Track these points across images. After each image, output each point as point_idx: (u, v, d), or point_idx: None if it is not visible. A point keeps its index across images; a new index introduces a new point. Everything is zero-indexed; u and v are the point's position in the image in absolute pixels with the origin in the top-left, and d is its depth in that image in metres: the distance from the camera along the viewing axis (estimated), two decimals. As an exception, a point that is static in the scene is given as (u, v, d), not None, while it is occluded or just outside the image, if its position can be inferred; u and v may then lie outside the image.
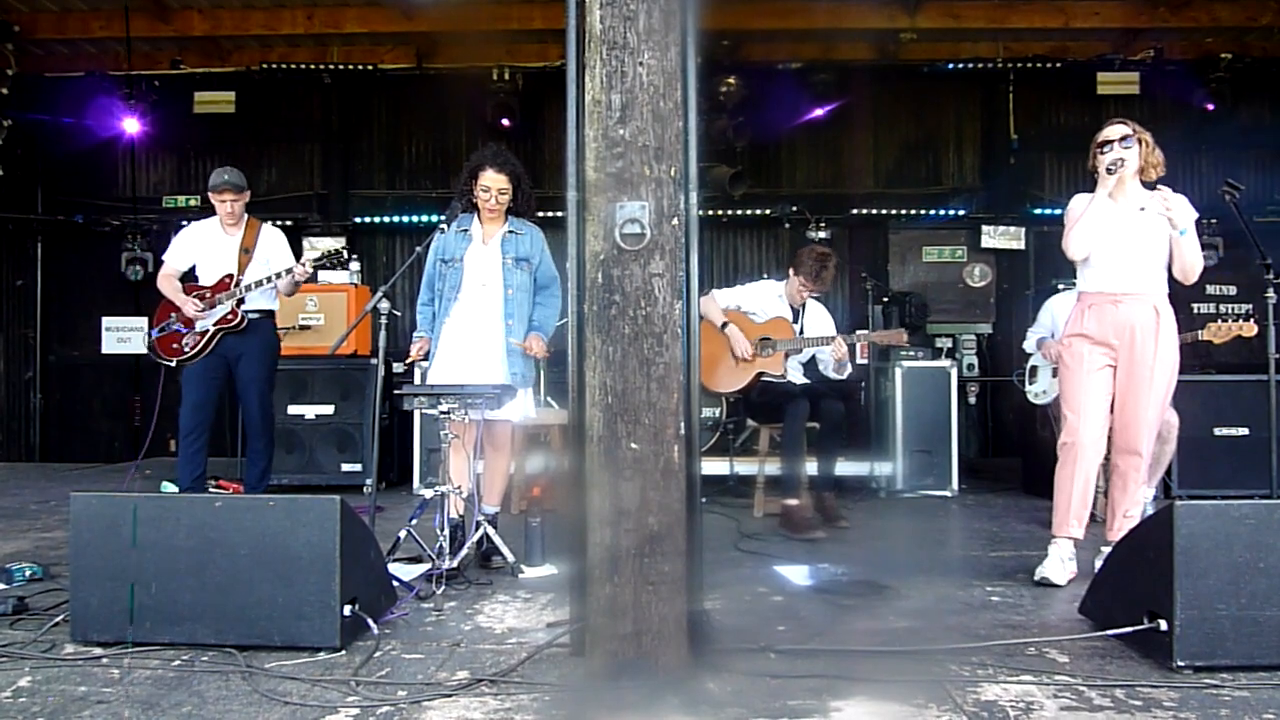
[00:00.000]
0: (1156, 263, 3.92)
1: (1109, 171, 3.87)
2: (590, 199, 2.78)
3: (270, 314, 5.37)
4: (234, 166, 5.32)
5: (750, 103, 8.08)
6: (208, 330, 5.14)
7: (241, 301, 5.14)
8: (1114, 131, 3.94)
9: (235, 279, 5.16)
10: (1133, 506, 3.93)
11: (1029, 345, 5.93)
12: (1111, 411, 3.95)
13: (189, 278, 5.32)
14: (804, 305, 5.69)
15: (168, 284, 5.23)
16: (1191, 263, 3.92)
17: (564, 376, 3.26)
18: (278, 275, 5.13)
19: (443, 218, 4.46)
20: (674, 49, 2.78)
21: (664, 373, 2.73)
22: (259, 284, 5.12)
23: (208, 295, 5.15)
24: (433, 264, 4.48)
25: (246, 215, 5.31)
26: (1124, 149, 3.89)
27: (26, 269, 9.00)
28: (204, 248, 5.28)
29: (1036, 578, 3.87)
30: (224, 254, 5.23)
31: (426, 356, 4.46)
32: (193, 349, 5.14)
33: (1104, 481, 5.51)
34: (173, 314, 5.19)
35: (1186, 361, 6.92)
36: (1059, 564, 3.88)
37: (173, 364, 5.19)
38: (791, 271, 5.62)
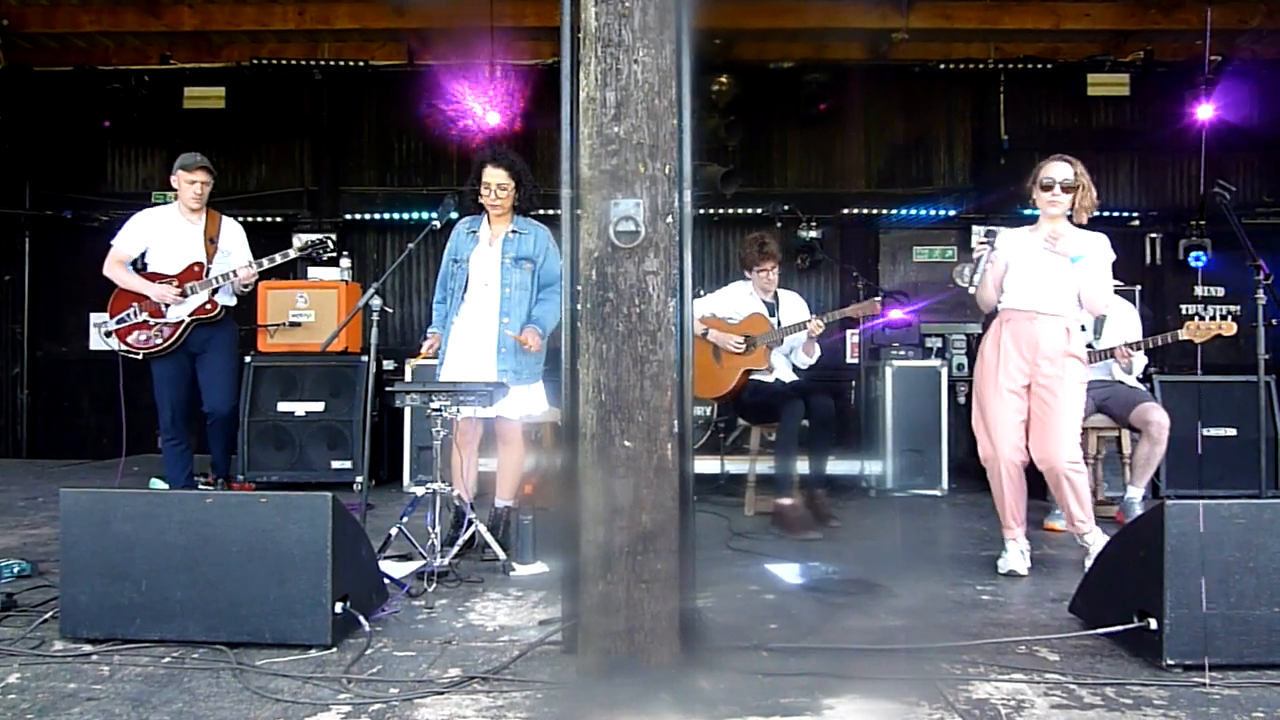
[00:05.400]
0: (1068, 288, 4.05)
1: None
2: (584, 196, 2.79)
3: (229, 309, 5.30)
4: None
5: (742, 102, 8.08)
6: (182, 320, 5.02)
7: (216, 290, 5.07)
8: (1058, 171, 4.02)
9: (205, 268, 5.06)
10: (1080, 509, 4.03)
11: None
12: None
13: (137, 266, 5.17)
14: (777, 298, 5.71)
15: (120, 270, 5.07)
16: (1089, 294, 4.06)
17: (557, 374, 3.27)
18: (269, 262, 5.08)
19: (434, 214, 4.51)
20: (669, 47, 2.78)
21: (657, 370, 2.74)
22: (235, 273, 5.04)
23: (174, 284, 5.03)
24: (446, 263, 4.56)
25: (206, 206, 5.24)
26: (1063, 193, 3.99)
27: (14, 264, 8.92)
28: (163, 235, 5.15)
29: (1003, 570, 4.14)
30: (189, 242, 5.12)
31: (437, 354, 4.50)
32: (165, 340, 5.01)
33: (1091, 481, 5.57)
34: (134, 303, 5.04)
35: (1174, 362, 7.03)
36: (1019, 556, 4.16)
37: (139, 356, 5.06)
38: (748, 271, 5.69)
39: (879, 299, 5.94)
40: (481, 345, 4.40)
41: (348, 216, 8.67)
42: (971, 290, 4.12)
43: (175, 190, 5.26)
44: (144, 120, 8.42)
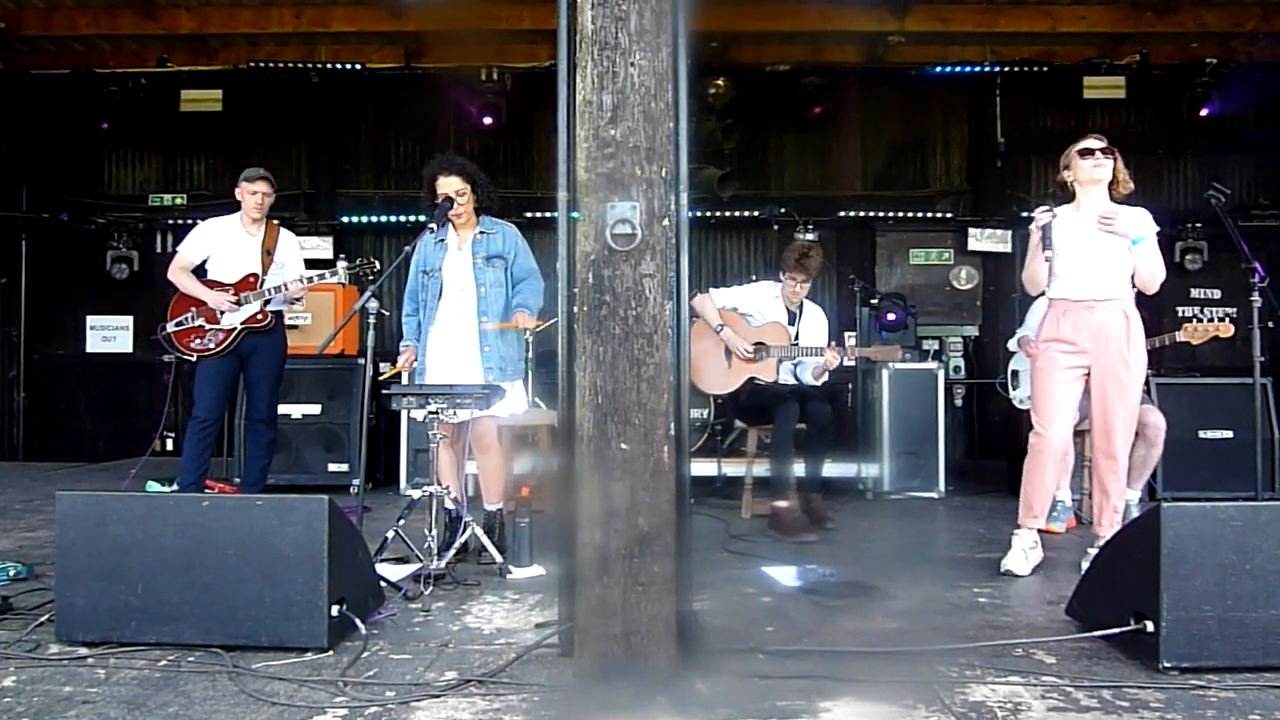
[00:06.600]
0: (1121, 270, 4.03)
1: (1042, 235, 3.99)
2: (581, 199, 2.78)
3: (281, 315, 5.43)
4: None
5: (739, 105, 8.10)
6: (234, 328, 5.17)
7: (269, 302, 5.17)
8: (1092, 140, 4.07)
9: (260, 279, 5.18)
10: (1118, 500, 4.08)
11: (1013, 344, 5.97)
12: (1082, 414, 4.12)
13: (198, 273, 5.30)
14: (801, 308, 5.68)
15: (183, 276, 5.24)
16: (1148, 271, 4.03)
17: (553, 377, 3.27)
18: (309, 279, 5.19)
19: (431, 218, 4.50)
20: (665, 50, 2.78)
21: (654, 373, 2.73)
22: (286, 286, 5.15)
23: (230, 293, 5.17)
24: (414, 275, 4.57)
25: (266, 218, 5.36)
26: (1104, 156, 4.02)
27: (11, 267, 8.92)
28: (224, 244, 5.28)
29: (1001, 570, 4.11)
30: (247, 253, 5.25)
31: (414, 370, 4.49)
32: (218, 345, 5.16)
33: (1088, 483, 5.57)
34: (193, 308, 5.19)
35: (1170, 364, 7.04)
36: (1021, 556, 4.12)
37: (194, 359, 5.21)
38: (781, 273, 5.63)
39: (900, 348, 5.97)
40: (463, 347, 4.41)
41: (344, 219, 8.69)
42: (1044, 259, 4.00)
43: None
44: (141, 123, 8.43)
